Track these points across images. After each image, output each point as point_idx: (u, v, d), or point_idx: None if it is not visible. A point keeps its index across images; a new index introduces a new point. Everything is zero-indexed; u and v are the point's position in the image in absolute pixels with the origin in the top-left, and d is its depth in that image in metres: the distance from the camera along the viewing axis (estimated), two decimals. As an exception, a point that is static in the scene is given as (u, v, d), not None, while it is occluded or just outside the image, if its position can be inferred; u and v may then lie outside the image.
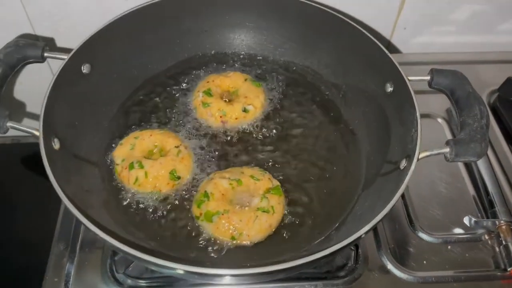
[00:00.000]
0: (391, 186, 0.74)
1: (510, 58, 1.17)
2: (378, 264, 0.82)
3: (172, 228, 0.78)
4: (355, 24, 0.92)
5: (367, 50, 0.91)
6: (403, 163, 0.75)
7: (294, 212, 0.81)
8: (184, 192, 0.82)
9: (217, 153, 0.88)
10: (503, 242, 0.83)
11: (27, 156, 1.13)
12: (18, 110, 1.18)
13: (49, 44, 0.93)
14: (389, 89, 0.86)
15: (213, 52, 1.05)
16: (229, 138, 0.91)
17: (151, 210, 0.80)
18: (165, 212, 0.80)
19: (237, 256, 0.75)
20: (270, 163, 0.87)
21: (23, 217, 1.03)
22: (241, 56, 1.05)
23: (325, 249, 0.62)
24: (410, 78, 0.82)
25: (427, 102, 1.03)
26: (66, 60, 0.82)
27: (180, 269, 0.61)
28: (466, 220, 0.87)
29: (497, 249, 0.84)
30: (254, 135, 0.92)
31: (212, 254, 0.75)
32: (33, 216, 1.02)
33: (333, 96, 0.99)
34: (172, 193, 0.82)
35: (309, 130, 0.93)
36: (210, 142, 0.90)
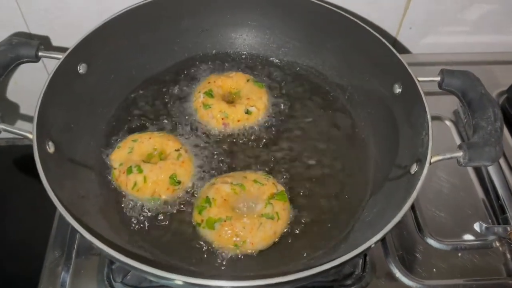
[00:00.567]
0: (401, 192, 0.72)
1: (519, 58, 1.14)
2: (386, 272, 0.79)
3: (172, 236, 0.75)
4: (361, 23, 0.89)
5: (374, 50, 0.88)
6: (414, 168, 0.72)
7: (300, 219, 0.78)
8: (184, 198, 0.79)
9: (218, 156, 0.85)
10: (515, 249, 0.80)
11: (21, 158, 1.10)
12: (11, 112, 1.15)
13: (44, 43, 0.90)
14: (398, 90, 0.83)
15: (214, 52, 1.02)
16: (231, 141, 0.88)
17: (150, 216, 0.77)
18: (164, 219, 0.77)
19: (240, 265, 0.72)
20: (273, 167, 0.84)
21: (17, 222, 1.00)
22: (243, 56, 1.02)
23: (334, 259, 0.59)
24: (419, 79, 0.79)
25: (434, 103, 1.00)
26: (62, 59, 0.79)
27: (179, 280, 0.58)
28: (476, 227, 0.84)
29: (508, 256, 0.82)
30: (257, 137, 0.88)
31: (214, 263, 0.72)
32: (27, 221, 0.99)
33: (338, 98, 0.96)
34: (172, 198, 0.79)
35: (314, 133, 0.90)
36: (211, 145, 0.87)
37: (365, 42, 0.89)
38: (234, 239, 0.72)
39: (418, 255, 0.82)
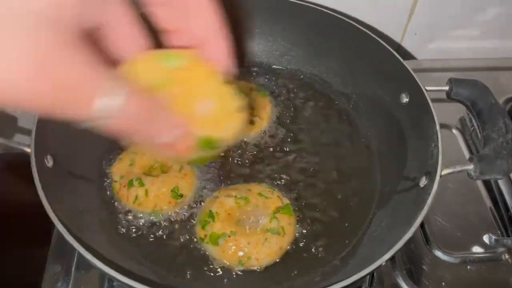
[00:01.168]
0: (409, 205, 0.70)
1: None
2: (394, 286, 0.77)
3: (174, 251, 0.73)
4: (366, 30, 0.87)
5: (379, 57, 0.86)
6: (423, 181, 0.70)
7: (306, 233, 0.76)
8: (187, 211, 0.77)
9: (221, 168, 0.83)
10: (525, 262, 0.79)
11: (19, 166, 1.07)
12: (9, 124, 1.12)
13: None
14: (405, 99, 0.81)
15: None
16: (234, 152, 0.85)
17: (151, 231, 0.75)
18: (166, 234, 0.75)
19: (245, 282, 0.70)
20: (277, 179, 0.82)
21: (14, 234, 0.97)
22: (246, 64, 1.00)
23: (344, 279, 0.57)
24: (427, 88, 0.77)
25: (440, 111, 0.98)
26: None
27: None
28: (486, 238, 0.83)
29: (517, 268, 0.80)
30: (260, 148, 0.86)
31: (218, 280, 0.70)
32: (25, 233, 0.96)
33: (343, 106, 0.94)
34: (174, 212, 0.76)
35: (318, 143, 0.88)
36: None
37: (369, 49, 0.87)
38: (238, 255, 0.70)
39: (426, 268, 0.80)
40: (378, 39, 0.86)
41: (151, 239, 0.74)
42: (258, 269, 0.71)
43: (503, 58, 1.13)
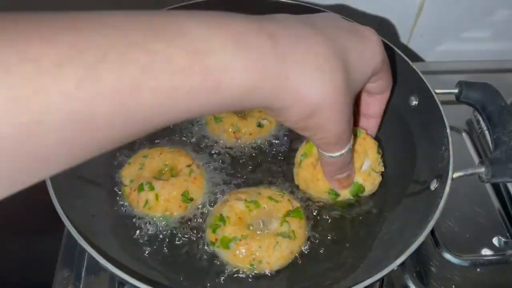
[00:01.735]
0: (420, 208, 0.70)
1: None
2: (404, 289, 0.77)
3: (185, 255, 0.73)
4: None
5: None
6: (434, 184, 0.70)
7: (316, 236, 0.76)
8: (197, 215, 0.77)
9: (230, 171, 0.83)
10: (535, 264, 0.78)
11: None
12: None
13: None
14: (414, 102, 0.81)
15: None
16: (243, 155, 0.85)
17: (161, 235, 0.75)
18: (176, 237, 0.75)
19: (256, 286, 0.70)
20: (287, 182, 0.82)
21: (23, 238, 0.97)
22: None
23: (356, 284, 0.57)
24: (437, 91, 0.77)
25: (448, 113, 0.97)
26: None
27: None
28: (495, 241, 0.83)
29: (528, 271, 0.80)
30: (269, 151, 0.86)
31: (229, 284, 0.70)
32: (34, 238, 0.96)
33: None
34: (184, 216, 0.76)
35: (327, 145, 0.88)
36: (223, 159, 0.84)
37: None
38: (250, 258, 0.70)
39: (435, 270, 0.80)
40: (387, 41, 0.85)
41: (161, 244, 0.74)
42: (269, 273, 0.71)
43: (510, 59, 1.13)
